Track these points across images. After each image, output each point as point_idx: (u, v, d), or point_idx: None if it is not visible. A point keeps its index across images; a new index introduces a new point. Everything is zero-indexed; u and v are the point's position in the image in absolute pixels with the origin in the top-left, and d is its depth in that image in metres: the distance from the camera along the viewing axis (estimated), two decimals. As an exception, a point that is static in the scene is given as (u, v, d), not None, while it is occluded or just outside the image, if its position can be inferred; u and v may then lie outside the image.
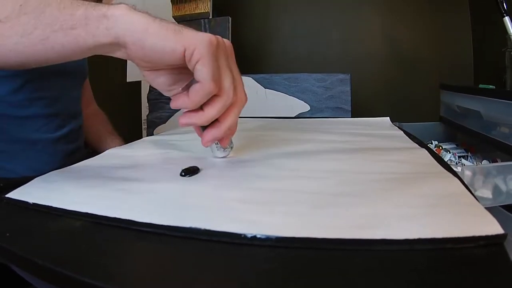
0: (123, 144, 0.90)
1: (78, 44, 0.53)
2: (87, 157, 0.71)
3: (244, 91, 0.59)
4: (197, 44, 0.51)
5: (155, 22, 0.52)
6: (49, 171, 0.60)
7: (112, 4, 0.53)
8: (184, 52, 0.51)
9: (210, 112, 0.56)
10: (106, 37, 0.52)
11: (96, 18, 0.51)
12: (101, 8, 0.52)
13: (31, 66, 0.58)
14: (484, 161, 1.17)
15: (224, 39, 0.57)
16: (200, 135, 0.61)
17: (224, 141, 0.64)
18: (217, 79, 0.53)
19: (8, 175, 0.85)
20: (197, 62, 0.52)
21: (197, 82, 0.53)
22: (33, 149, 0.88)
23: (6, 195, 0.50)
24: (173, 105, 0.58)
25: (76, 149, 0.99)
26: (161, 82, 0.58)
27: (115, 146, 0.88)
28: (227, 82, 0.55)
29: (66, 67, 0.81)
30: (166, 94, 0.60)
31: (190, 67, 0.53)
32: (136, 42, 0.52)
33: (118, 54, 0.55)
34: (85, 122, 1.12)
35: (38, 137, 0.88)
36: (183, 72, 0.58)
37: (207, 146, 0.61)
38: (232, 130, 0.60)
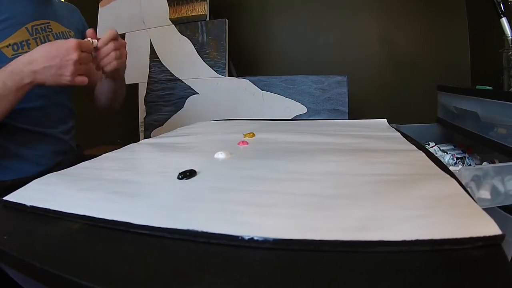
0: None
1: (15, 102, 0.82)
2: (82, 160, 0.71)
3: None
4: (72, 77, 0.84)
5: (51, 78, 0.83)
6: (40, 171, 0.60)
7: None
8: None
9: None
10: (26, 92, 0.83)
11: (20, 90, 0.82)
12: (20, 82, 0.81)
13: None
14: (484, 163, 1.17)
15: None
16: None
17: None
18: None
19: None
20: None
21: None
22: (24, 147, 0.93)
23: (4, 198, 0.50)
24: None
25: (67, 149, 1.04)
26: None
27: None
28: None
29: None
30: None
31: None
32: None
33: None
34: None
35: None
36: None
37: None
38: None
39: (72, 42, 0.82)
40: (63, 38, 1.06)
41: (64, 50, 0.81)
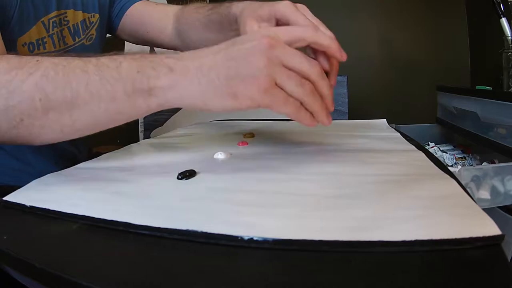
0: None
1: (124, 119, 0.55)
2: (85, 160, 0.71)
3: (309, 63, 0.53)
4: (255, 102, 0.51)
5: (208, 91, 0.51)
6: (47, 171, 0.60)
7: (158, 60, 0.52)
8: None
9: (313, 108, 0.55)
10: (152, 109, 0.53)
11: (139, 94, 0.51)
12: (142, 82, 0.51)
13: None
14: (484, 163, 1.17)
15: (276, 38, 0.52)
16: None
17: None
18: (288, 102, 0.53)
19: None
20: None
21: None
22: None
23: (3, 198, 0.50)
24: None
25: (77, 152, 0.96)
26: None
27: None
28: (292, 89, 0.52)
29: None
30: None
31: None
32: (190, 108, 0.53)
33: None
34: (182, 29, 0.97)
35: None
36: None
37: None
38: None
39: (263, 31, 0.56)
40: (83, 28, 0.86)
41: (247, 43, 0.51)
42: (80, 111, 0.51)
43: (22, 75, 0.50)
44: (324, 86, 0.55)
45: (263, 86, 0.49)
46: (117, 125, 0.55)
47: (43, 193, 0.52)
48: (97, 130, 0.55)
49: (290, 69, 0.51)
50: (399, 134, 0.87)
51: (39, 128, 0.52)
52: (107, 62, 0.52)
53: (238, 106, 0.51)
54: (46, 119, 0.51)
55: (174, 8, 0.99)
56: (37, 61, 0.51)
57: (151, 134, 1.90)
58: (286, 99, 0.52)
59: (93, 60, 0.52)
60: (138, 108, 0.52)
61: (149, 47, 1.14)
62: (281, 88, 0.51)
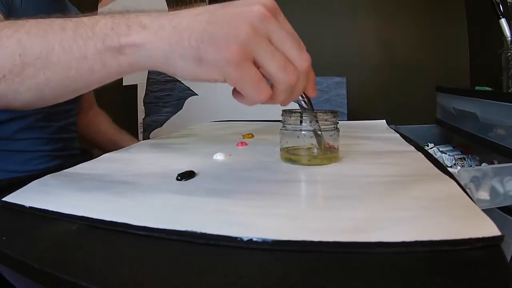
0: (134, 141, 0.93)
1: (96, 80, 0.51)
2: (83, 161, 0.71)
3: (301, 53, 0.46)
4: (221, 73, 0.43)
5: (175, 52, 0.44)
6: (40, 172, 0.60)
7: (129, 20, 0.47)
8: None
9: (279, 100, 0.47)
10: (124, 69, 0.49)
11: (109, 52, 0.47)
12: (113, 39, 0.47)
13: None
14: (484, 164, 1.17)
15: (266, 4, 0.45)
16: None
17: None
18: (260, 86, 0.44)
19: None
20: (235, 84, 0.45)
21: None
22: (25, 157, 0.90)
23: (2, 199, 0.50)
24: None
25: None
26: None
27: (127, 144, 0.97)
28: (274, 70, 0.44)
29: None
30: None
31: None
32: (158, 69, 0.48)
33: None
34: (91, 124, 1.20)
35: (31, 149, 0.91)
36: None
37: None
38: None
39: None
40: None
41: (239, 7, 0.44)
42: (54, 68, 0.49)
43: (8, 32, 0.50)
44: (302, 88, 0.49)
45: (235, 57, 0.41)
46: (92, 87, 0.53)
47: (42, 194, 0.52)
48: (72, 93, 0.54)
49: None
50: (398, 135, 0.87)
51: (18, 85, 0.51)
52: (86, 20, 0.50)
53: (203, 74, 0.44)
54: (24, 75, 0.50)
55: None
56: (26, 20, 0.51)
57: (151, 135, 1.90)
58: (258, 82, 0.43)
59: (74, 19, 0.50)
60: (109, 67, 0.48)
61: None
62: (258, 67, 0.44)
